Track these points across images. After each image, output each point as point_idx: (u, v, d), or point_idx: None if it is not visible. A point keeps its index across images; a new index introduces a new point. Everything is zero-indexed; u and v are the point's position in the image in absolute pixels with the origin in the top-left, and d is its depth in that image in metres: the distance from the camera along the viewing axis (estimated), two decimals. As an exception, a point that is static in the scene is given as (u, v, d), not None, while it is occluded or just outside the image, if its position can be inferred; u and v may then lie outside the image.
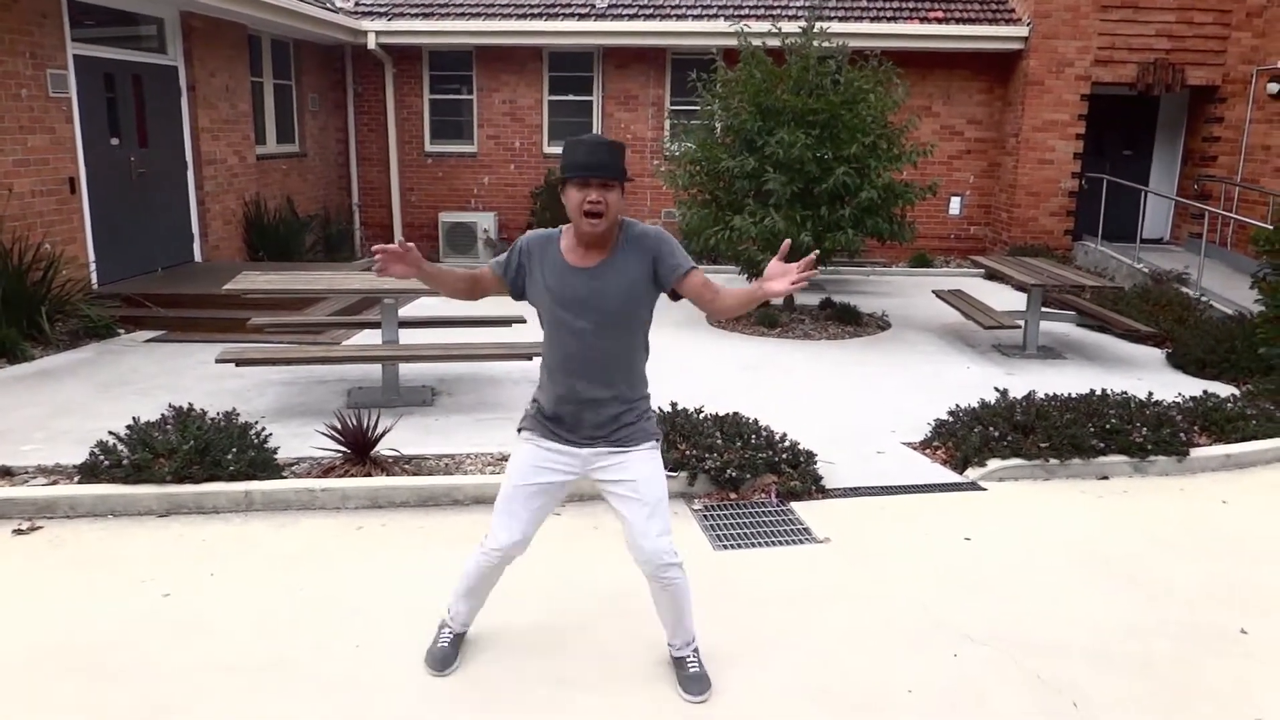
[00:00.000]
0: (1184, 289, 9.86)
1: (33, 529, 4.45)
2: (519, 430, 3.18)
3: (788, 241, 2.88)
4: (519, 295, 3.06)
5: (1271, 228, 7.45)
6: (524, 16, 12.90)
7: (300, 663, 3.39)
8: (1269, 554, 4.47)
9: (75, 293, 8.04)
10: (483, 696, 3.22)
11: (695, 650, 3.29)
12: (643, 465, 3.05)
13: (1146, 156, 13.77)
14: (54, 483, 4.80)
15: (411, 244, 2.93)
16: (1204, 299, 9.41)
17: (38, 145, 7.97)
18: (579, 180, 2.80)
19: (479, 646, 3.50)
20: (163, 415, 5.17)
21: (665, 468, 4.96)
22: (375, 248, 2.87)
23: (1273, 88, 11.54)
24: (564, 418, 3.05)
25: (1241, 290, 9.26)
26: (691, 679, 3.23)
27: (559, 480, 3.10)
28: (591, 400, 2.99)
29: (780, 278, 2.76)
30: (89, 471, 4.76)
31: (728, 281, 11.66)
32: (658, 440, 3.14)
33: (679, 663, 3.29)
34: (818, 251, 3.01)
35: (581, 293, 2.91)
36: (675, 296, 3.03)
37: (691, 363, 7.75)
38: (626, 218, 3.00)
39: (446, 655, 3.37)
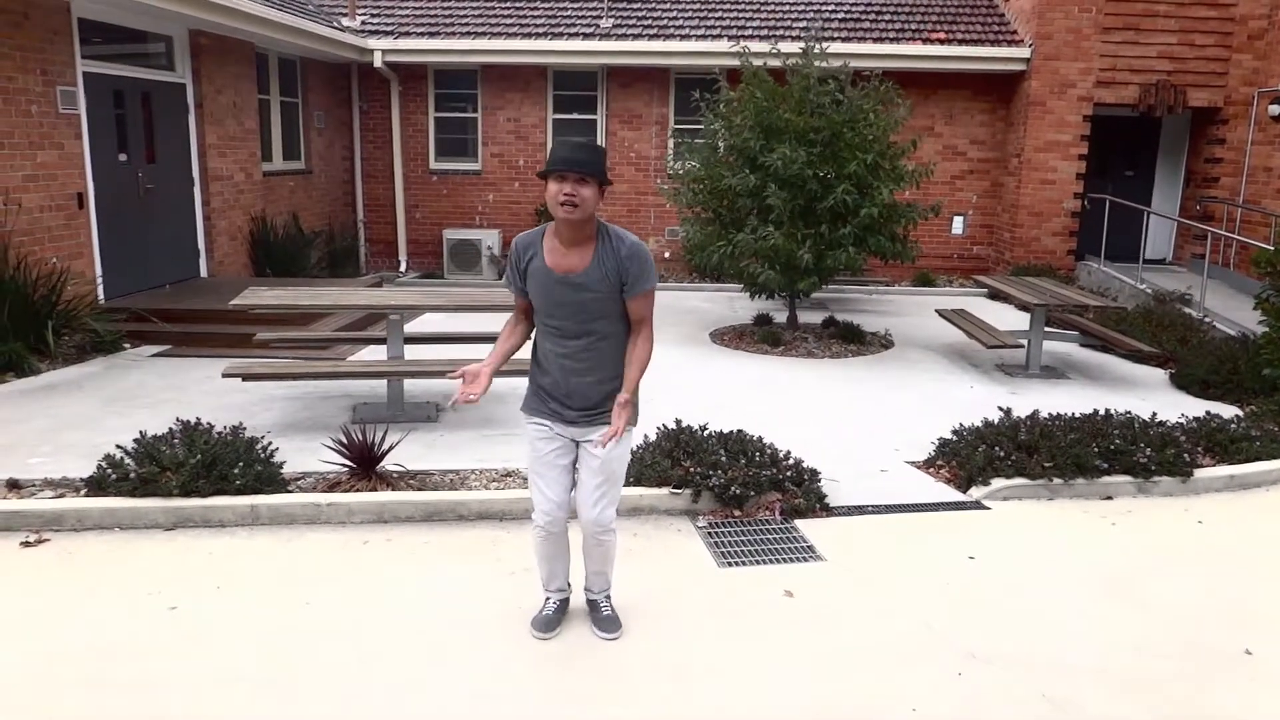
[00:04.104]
0: (1187, 309, 9.88)
1: (40, 541, 4.47)
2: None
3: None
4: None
5: (1273, 249, 7.48)
6: (529, 36, 13.00)
7: (304, 676, 3.40)
8: (1273, 575, 4.47)
9: (82, 308, 8.08)
10: (491, 712, 3.22)
11: (608, 597, 3.81)
12: (612, 444, 3.38)
13: (1149, 177, 13.82)
14: (61, 496, 4.82)
15: (473, 374, 3.31)
16: (1207, 319, 9.43)
17: (47, 161, 8.03)
18: (558, 174, 3.13)
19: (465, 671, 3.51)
20: (170, 429, 5.19)
21: (670, 485, 5.01)
22: (460, 375, 3.30)
23: (1274, 109, 11.60)
24: (547, 395, 3.46)
25: (1245, 311, 9.28)
26: (606, 620, 3.75)
27: (557, 450, 3.49)
28: (570, 377, 3.37)
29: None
30: (96, 485, 4.78)
31: (730, 300, 11.73)
32: (633, 424, 3.48)
33: (594, 605, 3.80)
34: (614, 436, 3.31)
35: (566, 298, 3.28)
36: None
37: (695, 380, 7.77)
38: (607, 224, 3.31)
39: (549, 620, 3.75)
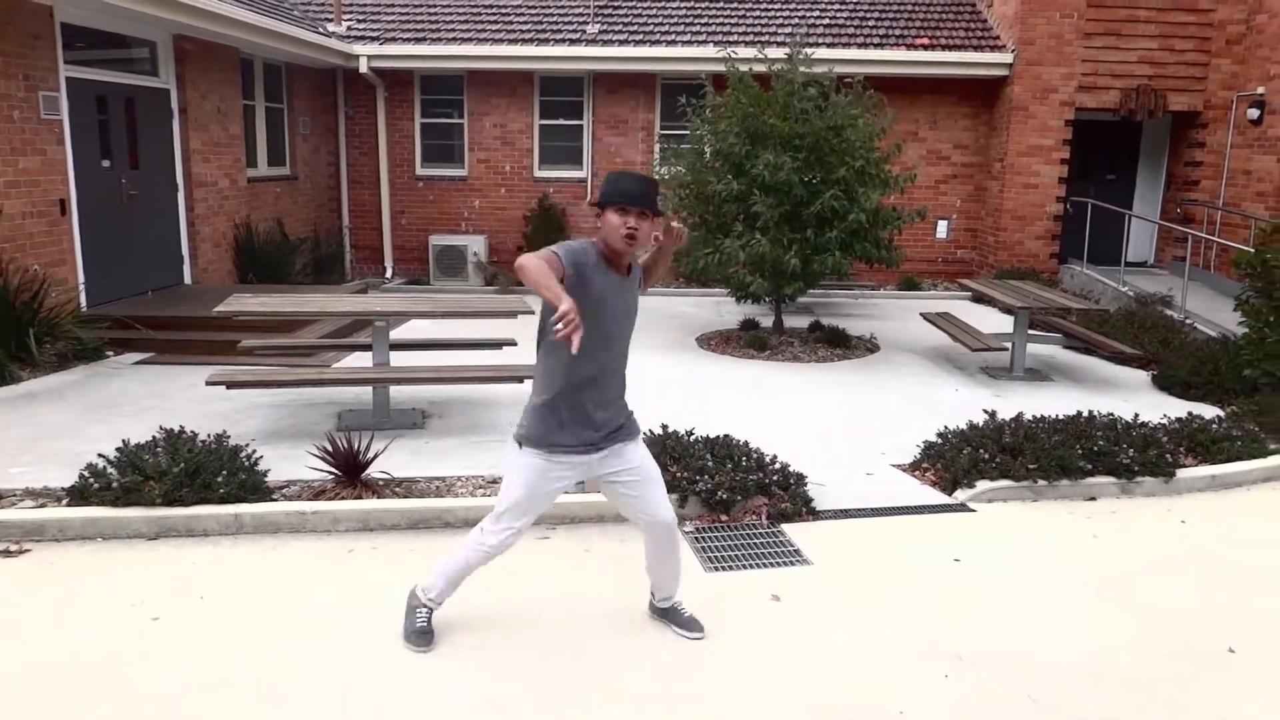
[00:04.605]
0: (1168, 311, 9.96)
1: (21, 552, 4.43)
2: (520, 444, 3.43)
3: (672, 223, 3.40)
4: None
5: (1253, 250, 7.55)
6: (515, 41, 13.01)
7: (290, 684, 3.38)
8: (1255, 574, 4.50)
9: (64, 315, 8.01)
10: (491, 713, 3.21)
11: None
12: (643, 452, 3.57)
13: (1130, 181, 13.93)
14: (42, 505, 4.78)
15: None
16: (1188, 321, 9.51)
17: (29, 167, 7.98)
18: (620, 206, 3.24)
19: (478, 670, 3.50)
20: (153, 437, 5.15)
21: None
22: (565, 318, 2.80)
23: (1253, 113, 11.72)
24: (583, 427, 3.38)
25: (1225, 312, 9.36)
26: (690, 620, 3.80)
27: (564, 486, 3.49)
28: (613, 400, 3.45)
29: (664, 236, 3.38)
30: (78, 494, 4.74)
31: (717, 304, 11.75)
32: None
33: (673, 611, 3.83)
34: (676, 224, 3.44)
35: (626, 304, 3.40)
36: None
37: (682, 385, 7.78)
38: None
39: (426, 632, 3.69)
